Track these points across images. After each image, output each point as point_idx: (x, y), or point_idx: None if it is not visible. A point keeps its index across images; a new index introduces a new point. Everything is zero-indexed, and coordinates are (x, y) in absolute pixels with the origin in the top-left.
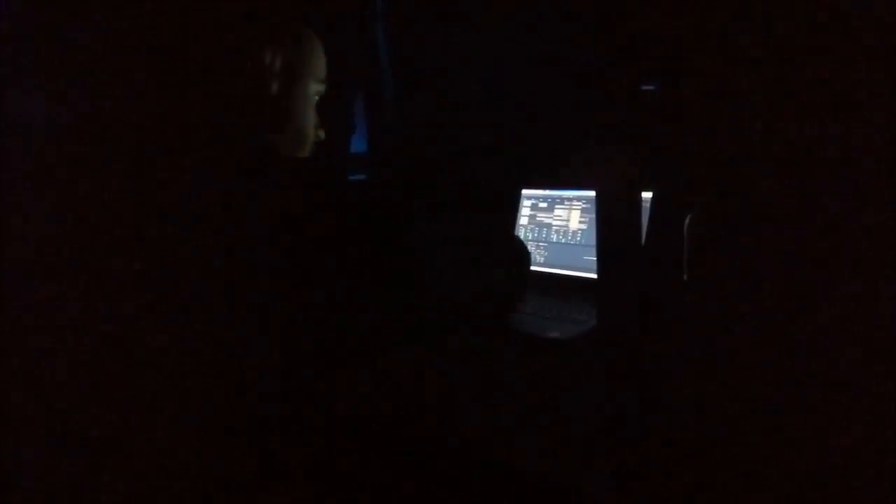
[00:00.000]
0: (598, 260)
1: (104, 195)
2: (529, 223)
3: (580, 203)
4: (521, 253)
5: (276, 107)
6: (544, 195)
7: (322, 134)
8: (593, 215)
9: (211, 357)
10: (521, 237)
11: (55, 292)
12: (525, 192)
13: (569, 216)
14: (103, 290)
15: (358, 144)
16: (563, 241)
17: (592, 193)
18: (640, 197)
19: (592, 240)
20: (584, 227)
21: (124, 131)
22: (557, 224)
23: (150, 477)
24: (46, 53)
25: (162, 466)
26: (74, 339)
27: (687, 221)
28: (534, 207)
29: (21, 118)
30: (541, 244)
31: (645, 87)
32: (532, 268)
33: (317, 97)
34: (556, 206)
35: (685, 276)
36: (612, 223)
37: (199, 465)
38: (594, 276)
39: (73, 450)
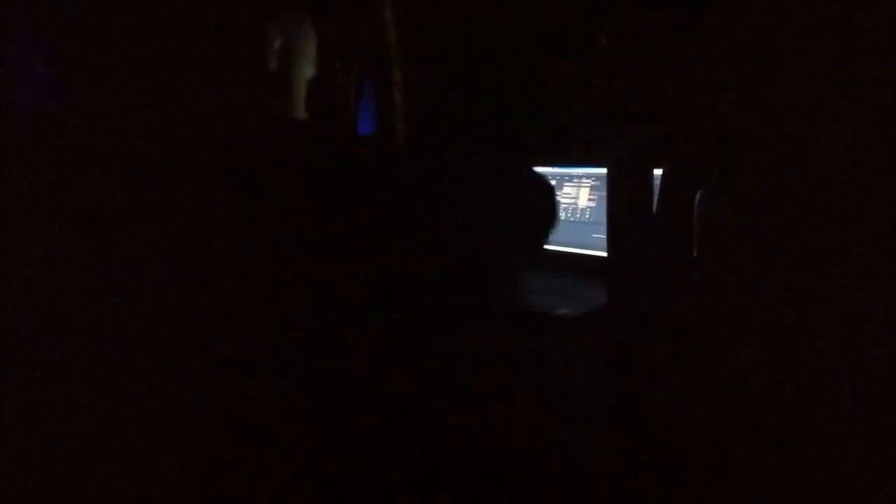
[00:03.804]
0: (609, 237)
1: (107, 185)
2: None
3: (589, 180)
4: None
5: (275, 86)
6: (553, 173)
7: (306, 115)
8: (602, 193)
9: (222, 341)
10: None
11: (54, 289)
12: (534, 169)
13: (578, 194)
14: (111, 278)
15: (364, 127)
16: (572, 218)
17: (601, 171)
18: (652, 174)
19: (601, 217)
20: (593, 204)
21: (129, 115)
22: (566, 202)
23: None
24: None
25: (172, 461)
26: (75, 334)
27: (697, 198)
28: None
29: (18, 110)
30: None
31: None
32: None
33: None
34: (566, 184)
35: (695, 253)
36: (623, 200)
37: (210, 459)
38: (603, 253)
39: (72, 450)
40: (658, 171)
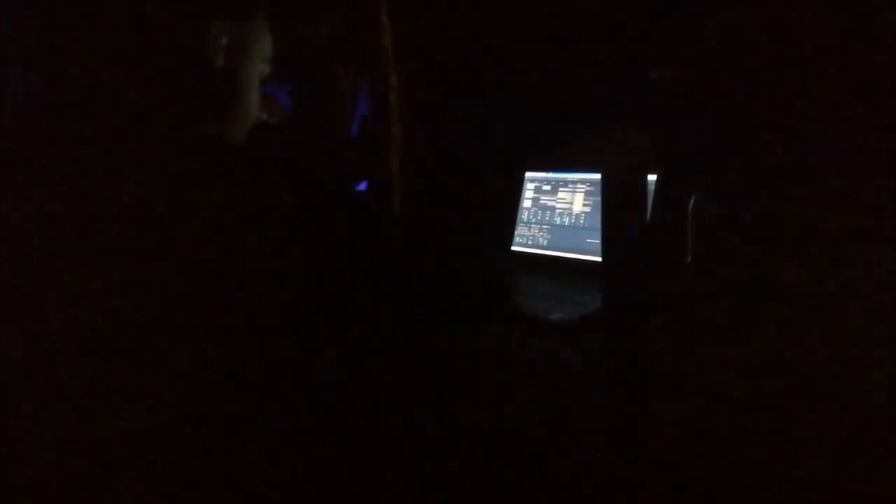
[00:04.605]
0: (603, 242)
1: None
2: (533, 206)
3: (584, 185)
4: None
5: (221, 85)
6: (548, 178)
7: (264, 115)
8: (597, 198)
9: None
10: (525, 220)
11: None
12: (529, 174)
13: (572, 199)
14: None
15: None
16: (566, 223)
17: (596, 176)
18: (647, 180)
19: (596, 223)
20: (587, 209)
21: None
22: (561, 207)
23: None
24: None
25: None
26: (59, 339)
27: (691, 203)
28: (537, 190)
29: None
30: (544, 227)
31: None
32: (535, 251)
33: (262, 76)
34: (560, 189)
35: (688, 258)
36: (617, 206)
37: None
38: (598, 258)
39: (71, 451)
40: (652, 177)
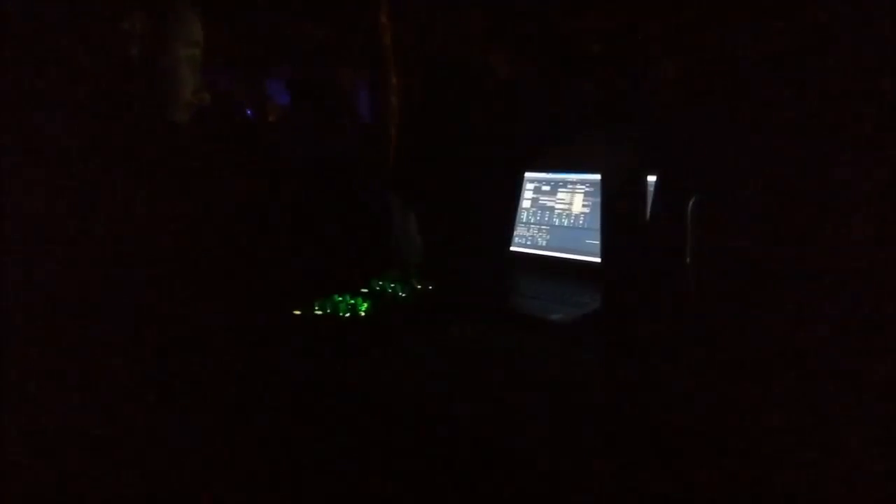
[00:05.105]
0: (602, 243)
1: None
2: (532, 206)
3: (583, 186)
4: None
5: (142, 71)
6: (547, 178)
7: (207, 97)
8: (596, 199)
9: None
10: (524, 220)
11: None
12: (528, 174)
13: (572, 199)
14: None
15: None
16: (565, 224)
17: (595, 177)
18: (646, 181)
19: (595, 223)
20: (587, 210)
21: None
22: (560, 207)
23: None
24: None
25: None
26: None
27: (690, 204)
28: (537, 190)
29: None
30: (543, 227)
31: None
32: (534, 251)
33: (193, 60)
34: (560, 190)
35: (687, 260)
36: (616, 207)
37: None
38: (597, 259)
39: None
40: (652, 178)
